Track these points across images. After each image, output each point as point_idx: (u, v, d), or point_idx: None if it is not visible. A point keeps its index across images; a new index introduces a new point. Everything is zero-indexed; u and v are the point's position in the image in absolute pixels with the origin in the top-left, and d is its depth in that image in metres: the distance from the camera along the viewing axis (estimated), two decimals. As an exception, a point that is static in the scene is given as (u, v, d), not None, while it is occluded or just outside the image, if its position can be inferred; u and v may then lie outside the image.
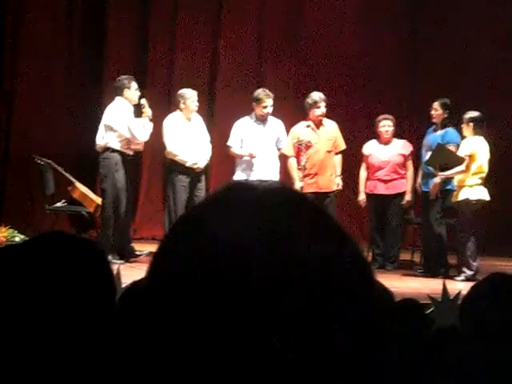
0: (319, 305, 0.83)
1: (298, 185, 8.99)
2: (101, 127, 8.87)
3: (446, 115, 8.91)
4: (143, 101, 8.97)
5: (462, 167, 8.39)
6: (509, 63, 11.35)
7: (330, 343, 0.83)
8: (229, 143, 9.32)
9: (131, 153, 8.94)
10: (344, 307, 0.84)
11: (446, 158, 8.51)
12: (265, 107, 9.15)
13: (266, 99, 9.16)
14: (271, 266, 0.83)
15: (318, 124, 9.31)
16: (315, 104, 9.23)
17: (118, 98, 8.86)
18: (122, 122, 8.73)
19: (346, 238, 0.90)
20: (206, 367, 0.82)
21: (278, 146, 9.33)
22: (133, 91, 8.87)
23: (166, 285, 0.86)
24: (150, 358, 0.86)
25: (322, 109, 9.24)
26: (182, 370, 0.84)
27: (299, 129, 9.30)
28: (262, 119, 9.24)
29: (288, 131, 9.36)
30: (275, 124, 9.33)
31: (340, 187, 9.29)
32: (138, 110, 9.00)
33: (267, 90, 9.29)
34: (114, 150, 8.73)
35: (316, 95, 9.29)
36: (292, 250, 0.84)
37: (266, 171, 9.10)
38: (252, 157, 9.10)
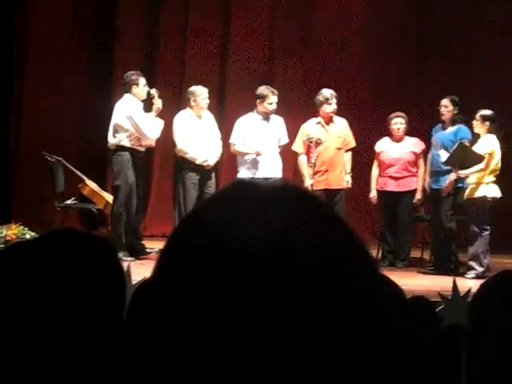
0: (322, 302, 0.83)
1: (307, 182, 8.99)
2: (111, 126, 8.87)
3: (455, 111, 8.92)
4: (153, 91, 8.96)
5: (481, 165, 8.39)
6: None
7: (334, 341, 0.83)
8: (232, 140, 9.31)
9: (143, 149, 8.96)
10: (347, 305, 0.84)
11: (467, 157, 8.49)
12: (270, 104, 9.15)
13: (272, 96, 9.15)
14: (275, 263, 0.83)
15: (328, 121, 9.30)
16: (326, 101, 9.22)
17: (126, 96, 8.86)
18: (131, 121, 8.74)
19: (352, 235, 0.90)
20: (213, 364, 0.83)
21: (279, 144, 9.34)
22: (141, 87, 8.86)
23: (172, 281, 0.87)
24: (157, 354, 0.86)
25: (333, 105, 9.23)
26: (187, 367, 0.84)
27: (309, 126, 9.30)
28: (265, 116, 9.24)
29: (294, 128, 9.38)
30: (277, 121, 9.33)
31: (349, 185, 9.28)
32: (147, 103, 9.00)
33: (271, 87, 9.29)
34: (125, 148, 8.75)
35: (327, 92, 9.28)
36: (295, 247, 0.84)
37: (269, 169, 9.10)
38: (258, 154, 9.10)
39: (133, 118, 8.73)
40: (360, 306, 0.85)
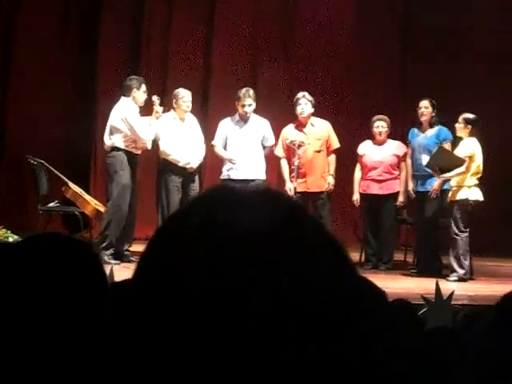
0: (298, 306, 0.83)
1: (288, 185, 9.04)
2: (107, 128, 8.94)
3: (433, 114, 8.95)
4: (154, 97, 9.01)
5: (462, 168, 8.39)
6: (503, 63, 11.37)
7: (316, 343, 0.83)
8: (213, 142, 9.37)
9: (139, 152, 9.00)
10: (325, 308, 0.84)
11: (447, 160, 8.50)
12: (243, 106, 9.16)
13: (245, 98, 9.15)
14: (253, 264, 0.83)
15: (305, 124, 9.32)
16: (295, 102, 9.29)
17: (123, 99, 8.93)
18: (125, 122, 8.78)
19: (327, 236, 0.90)
20: (199, 364, 0.83)
21: (263, 145, 9.34)
22: (141, 93, 8.93)
23: (152, 284, 0.87)
24: (141, 356, 0.86)
25: (301, 105, 9.24)
26: (172, 367, 0.84)
27: (288, 130, 9.37)
28: (243, 118, 9.26)
29: (278, 133, 9.40)
30: (260, 123, 9.33)
31: (331, 187, 9.28)
32: (146, 109, 9.02)
33: (251, 90, 9.28)
34: (119, 149, 8.81)
35: (299, 94, 9.35)
36: (270, 250, 0.84)
37: (250, 170, 9.12)
38: (232, 163, 9.12)
39: (127, 119, 8.78)
40: (338, 308, 0.85)
